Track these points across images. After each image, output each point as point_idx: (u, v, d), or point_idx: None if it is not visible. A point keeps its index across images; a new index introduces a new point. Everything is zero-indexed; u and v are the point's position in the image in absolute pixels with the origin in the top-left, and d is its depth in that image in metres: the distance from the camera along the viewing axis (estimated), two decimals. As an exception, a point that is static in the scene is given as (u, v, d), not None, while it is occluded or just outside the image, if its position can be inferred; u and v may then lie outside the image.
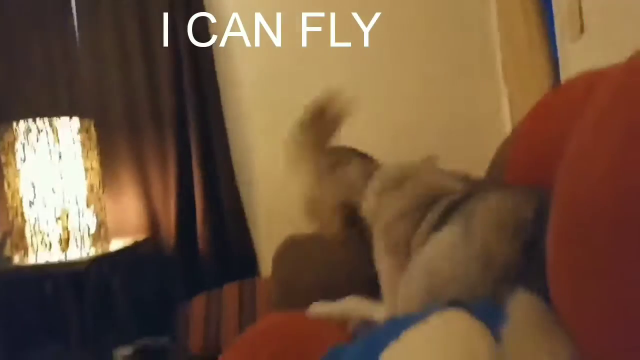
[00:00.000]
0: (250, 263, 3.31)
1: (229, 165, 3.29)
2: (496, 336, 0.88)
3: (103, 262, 2.94)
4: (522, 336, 0.86)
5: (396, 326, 0.88)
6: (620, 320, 0.66)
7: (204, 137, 3.25)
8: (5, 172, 3.14)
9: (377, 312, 1.70)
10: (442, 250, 1.43)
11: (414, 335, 0.85)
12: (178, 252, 3.26)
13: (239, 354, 1.60)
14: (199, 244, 3.24)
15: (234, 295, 3.07)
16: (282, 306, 1.96)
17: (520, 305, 0.93)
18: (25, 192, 3.05)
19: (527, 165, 1.65)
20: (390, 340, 0.86)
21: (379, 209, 1.64)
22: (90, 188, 3.09)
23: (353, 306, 1.70)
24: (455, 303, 0.91)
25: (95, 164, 3.14)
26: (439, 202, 1.58)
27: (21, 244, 3.05)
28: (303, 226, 1.90)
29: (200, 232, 3.24)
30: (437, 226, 1.51)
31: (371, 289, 1.73)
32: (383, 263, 1.62)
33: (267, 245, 3.27)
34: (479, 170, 1.95)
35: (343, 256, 1.91)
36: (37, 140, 3.01)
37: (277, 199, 3.26)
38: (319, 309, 1.76)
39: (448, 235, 1.45)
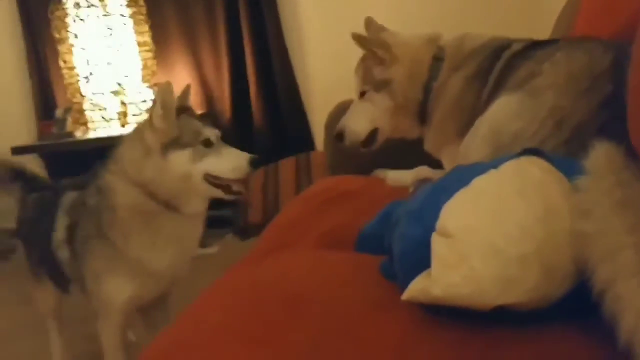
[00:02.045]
0: (305, 137, 3.30)
1: (281, 38, 3.20)
2: (573, 185, 0.83)
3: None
4: (602, 186, 0.81)
5: (465, 174, 0.84)
6: None
7: (254, 10, 3.14)
8: (59, 49, 3.15)
9: None
10: (508, 110, 1.36)
11: (486, 182, 0.81)
12: (233, 127, 3.27)
13: (295, 206, 1.63)
14: (253, 119, 3.24)
15: (290, 168, 3.10)
16: (336, 171, 1.96)
17: (599, 156, 0.86)
18: (80, 68, 3.07)
19: (601, 12, 1.52)
20: (459, 187, 0.82)
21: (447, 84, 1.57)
22: (144, 63, 3.07)
23: (427, 174, 1.68)
24: (530, 151, 0.85)
25: (147, 38, 3.10)
26: (502, 56, 1.49)
27: (81, 119, 3.11)
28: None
29: (254, 107, 3.22)
30: (498, 87, 1.44)
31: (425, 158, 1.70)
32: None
33: (321, 120, 3.23)
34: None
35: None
36: (87, 15, 2.98)
37: (331, 71, 3.18)
38: (392, 174, 1.76)
39: (513, 96, 1.37)
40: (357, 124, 1.67)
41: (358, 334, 0.81)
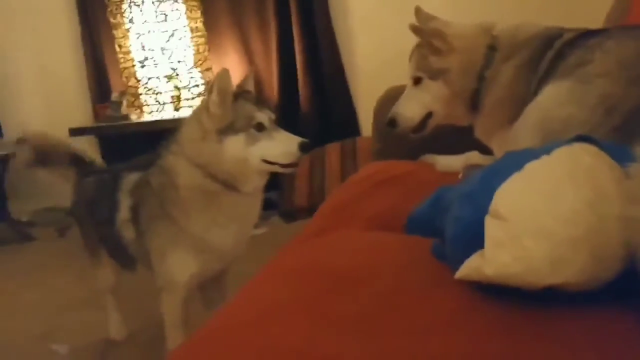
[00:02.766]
0: (351, 123, 3.33)
1: (329, 24, 3.24)
2: (624, 172, 0.85)
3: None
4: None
5: (518, 159, 0.87)
6: None
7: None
8: (115, 34, 3.25)
9: None
10: (558, 97, 1.37)
11: (538, 166, 0.84)
12: (280, 112, 3.33)
13: (345, 189, 1.68)
14: (300, 104, 3.29)
15: (336, 154, 3.15)
16: (382, 156, 1.99)
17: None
18: (135, 53, 3.17)
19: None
20: (511, 171, 0.86)
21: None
22: (197, 49, 3.15)
23: (477, 159, 1.70)
24: (582, 138, 0.88)
25: (200, 24, 3.18)
26: (553, 45, 1.50)
27: (136, 103, 3.22)
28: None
29: (301, 92, 3.27)
30: (548, 76, 1.45)
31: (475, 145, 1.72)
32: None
33: (367, 106, 3.26)
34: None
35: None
36: (142, 1, 3.07)
37: (378, 57, 3.20)
38: (442, 160, 1.79)
39: (563, 83, 1.38)
40: (411, 110, 1.69)
41: (411, 308, 0.86)
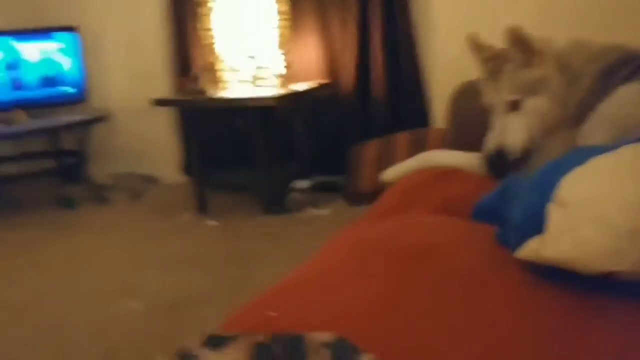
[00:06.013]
0: (423, 114, 3.36)
1: (408, 15, 3.27)
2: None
3: (288, 101, 3.18)
4: None
5: (582, 154, 0.92)
6: None
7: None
8: (200, 11, 3.39)
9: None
10: (629, 98, 1.39)
11: (602, 162, 0.88)
12: (355, 97, 3.40)
13: (413, 175, 1.73)
14: (374, 91, 3.35)
15: (405, 143, 3.18)
16: (456, 147, 2.02)
17: None
18: (218, 30, 3.30)
19: None
20: (576, 165, 0.90)
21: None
22: (280, 31, 3.26)
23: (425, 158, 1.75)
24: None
25: (285, 7, 3.27)
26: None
27: (216, 79, 3.36)
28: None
29: (376, 80, 3.32)
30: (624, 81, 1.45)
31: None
32: None
33: (440, 98, 3.27)
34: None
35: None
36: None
37: (454, 49, 3.20)
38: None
39: (634, 85, 1.40)
40: (519, 138, 1.52)
41: (474, 283, 0.92)
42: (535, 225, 0.92)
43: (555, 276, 0.89)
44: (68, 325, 2.13)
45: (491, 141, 1.54)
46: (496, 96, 1.56)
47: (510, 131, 1.53)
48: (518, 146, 1.52)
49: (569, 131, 1.44)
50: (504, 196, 1.19)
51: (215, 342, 0.81)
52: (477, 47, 1.65)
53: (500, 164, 1.52)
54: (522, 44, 1.51)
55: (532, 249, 0.89)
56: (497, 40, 1.60)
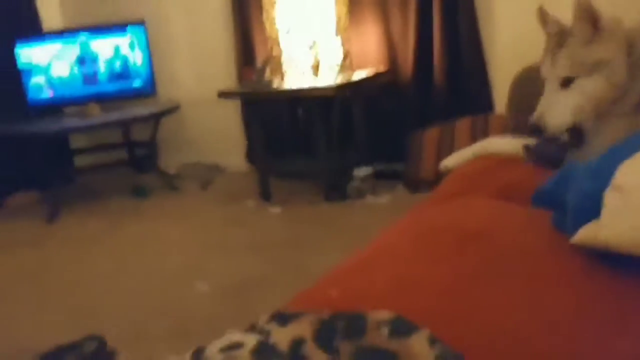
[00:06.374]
0: (485, 99, 3.33)
1: (470, 1, 3.24)
2: None
3: (347, 90, 3.23)
4: None
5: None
6: None
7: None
8: (263, 3, 3.48)
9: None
10: None
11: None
12: (414, 84, 3.40)
13: (474, 161, 1.75)
14: (434, 77, 3.34)
15: (466, 129, 3.17)
16: (517, 134, 2.01)
17: None
18: (281, 22, 3.37)
19: None
20: (634, 152, 0.91)
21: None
22: (338, 20, 3.30)
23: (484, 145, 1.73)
24: None
25: (343, -4, 3.31)
26: None
27: (278, 70, 3.44)
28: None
29: (436, 65, 3.31)
30: None
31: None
32: None
33: (502, 83, 3.24)
34: None
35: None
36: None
37: (516, 35, 3.16)
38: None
39: None
40: (561, 116, 1.49)
41: (531, 266, 0.95)
42: (592, 210, 0.94)
43: (611, 260, 0.91)
44: (144, 304, 2.30)
45: (534, 115, 1.52)
46: (552, 70, 1.52)
47: (554, 109, 1.50)
48: (557, 125, 1.49)
49: (630, 117, 1.42)
50: (563, 182, 1.20)
51: (283, 318, 0.87)
52: (545, 19, 1.59)
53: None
54: (588, 19, 1.45)
55: (588, 233, 0.91)
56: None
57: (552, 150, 1.56)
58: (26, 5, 3.89)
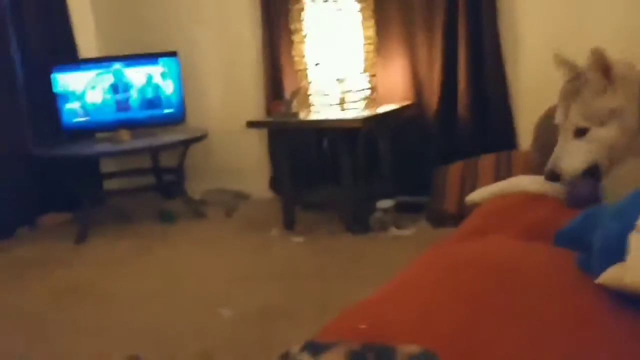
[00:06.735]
0: (509, 136, 3.36)
1: (496, 40, 3.29)
2: None
3: (373, 123, 3.28)
4: None
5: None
6: None
7: (471, 11, 3.28)
8: (293, 38, 3.57)
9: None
10: None
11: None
12: (439, 119, 3.45)
13: (499, 198, 1.78)
14: (459, 113, 3.38)
15: (490, 165, 3.20)
16: (541, 172, 2.03)
17: None
18: (310, 56, 3.46)
19: None
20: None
21: None
22: (366, 56, 3.38)
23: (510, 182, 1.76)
24: None
25: (372, 33, 3.39)
26: None
27: (306, 102, 3.52)
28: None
29: (461, 102, 3.36)
30: None
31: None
32: None
33: (527, 120, 3.26)
34: None
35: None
36: (321, 9, 3.35)
37: (542, 73, 3.20)
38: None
39: None
40: (576, 164, 1.56)
41: (556, 306, 0.98)
42: (617, 252, 0.97)
43: (636, 302, 0.93)
44: (169, 328, 2.33)
45: (550, 162, 1.59)
46: (566, 119, 1.58)
47: (568, 157, 1.57)
48: (572, 171, 1.56)
49: None
50: (587, 223, 1.23)
51: (314, 348, 0.91)
52: (562, 63, 1.67)
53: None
54: (602, 69, 1.51)
55: (614, 275, 0.94)
56: (582, 58, 1.60)
57: (587, 192, 1.58)
58: (64, 34, 4.05)
